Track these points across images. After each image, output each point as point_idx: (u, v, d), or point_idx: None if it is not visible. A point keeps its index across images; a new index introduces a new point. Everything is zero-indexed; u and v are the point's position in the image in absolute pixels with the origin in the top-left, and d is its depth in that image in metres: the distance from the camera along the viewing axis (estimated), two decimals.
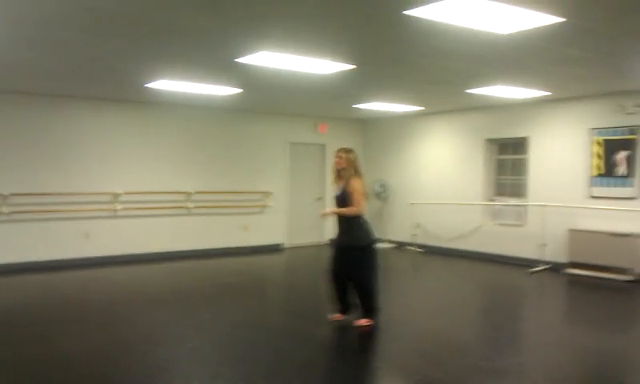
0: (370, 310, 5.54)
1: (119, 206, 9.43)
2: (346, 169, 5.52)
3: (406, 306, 6.58)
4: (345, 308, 5.68)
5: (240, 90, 8.17)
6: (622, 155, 8.21)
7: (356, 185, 5.44)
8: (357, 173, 5.55)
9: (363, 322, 5.52)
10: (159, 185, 9.86)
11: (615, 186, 8.29)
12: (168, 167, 9.99)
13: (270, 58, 5.87)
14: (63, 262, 8.89)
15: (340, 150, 5.62)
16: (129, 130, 9.60)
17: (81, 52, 5.79)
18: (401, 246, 11.42)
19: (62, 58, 6.08)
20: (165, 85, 7.66)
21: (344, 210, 5.47)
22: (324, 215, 5.60)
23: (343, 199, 5.51)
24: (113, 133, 9.44)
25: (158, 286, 7.67)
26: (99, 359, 4.62)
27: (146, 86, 7.79)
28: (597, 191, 8.50)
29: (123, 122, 9.55)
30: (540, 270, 8.74)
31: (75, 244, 9.10)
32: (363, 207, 5.45)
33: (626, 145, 8.17)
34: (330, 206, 12.06)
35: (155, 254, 9.78)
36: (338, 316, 5.69)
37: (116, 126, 9.48)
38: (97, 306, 6.51)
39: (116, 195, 9.42)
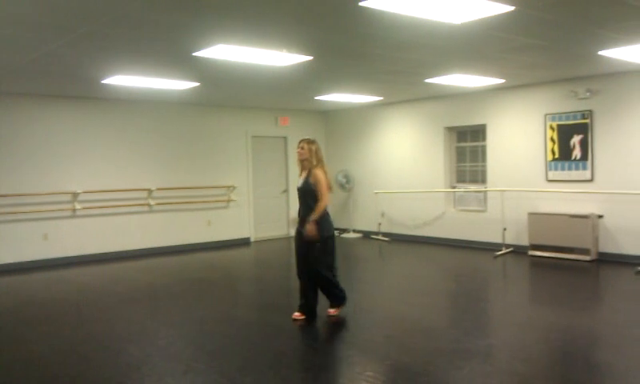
0: (337, 298, 5.60)
1: (78, 206, 9.21)
2: (309, 159, 5.48)
3: (374, 294, 6.65)
4: (309, 309, 5.57)
5: (197, 84, 8.07)
6: (575, 139, 8.48)
7: (319, 176, 5.41)
8: (319, 163, 5.50)
9: (332, 311, 5.59)
10: (119, 182, 9.67)
11: (570, 170, 8.56)
12: (128, 164, 9.80)
13: (228, 51, 5.82)
14: (22, 265, 8.65)
15: (302, 141, 5.56)
16: (86, 128, 9.37)
17: (32, 47, 5.61)
18: (367, 235, 11.52)
19: (12, 54, 5.87)
20: (122, 80, 7.51)
21: (316, 215, 5.33)
22: (311, 233, 5.31)
23: (306, 191, 5.48)
24: (70, 131, 9.20)
25: (125, 284, 7.54)
26: (72, 359, 4.56)
27: (102, 82, 7.62)
28: (553, 175, 8.77)
29: (80, 120, 9.31)
30: (503, 254, 8.96)
31: (34, 246, 8.85)
32: (327, 198, 5.42)
33: (580, 129, 8.43)
34: (295, 199, 12.12)
35: (118, 252, 9.61)
36: (298, 315, 5.56)
37: (73, 124, 9.24)
38: (64, 307, 6.38)
39: (75, 194, 9.19)
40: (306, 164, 5.53)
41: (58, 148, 9.08)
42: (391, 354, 4.54)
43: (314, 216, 5.33)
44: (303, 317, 5.52)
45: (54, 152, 9.04)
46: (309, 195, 5.44)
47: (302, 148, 5.52)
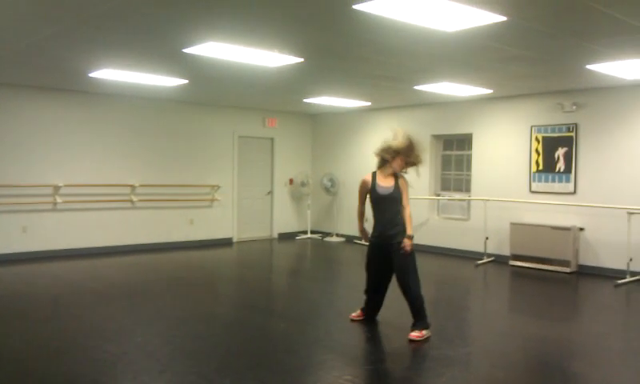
0: (424, 320, 5.05)
1: (59, 199, 9.08)
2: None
3: (354, 298, 6.62)
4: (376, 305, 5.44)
5: (186, 82, 8.00)
6: (560, 152, 8.55)
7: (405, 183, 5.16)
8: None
9: (416, 335, 4.93)
10: (102, 177, 9.56)
11: (554, 182, 8.63)
12: (112, 159, 9.69)
13: (217, 49, 5.77)
14: (0, 256, 8.49)
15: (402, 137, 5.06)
16: (71, 121, 9.25)
17: (18, 38, 5.51)
18: (350, 240, 11.51)
19: None
20: (109, 74, 7.42)
21: (409, 226, 5.08)
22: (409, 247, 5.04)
23: (394, 198, 5.11)
24: (54, 123, 9.07)
25: (104, 280, 7.44)
26: (45, 355, 4.47)
27: (89, 75, 7.52)
28: (537, 186, 8.83)
29: (65, 112, 9.19)
30: (485, 263, 9.00)
31: (12, 238, 8.70)
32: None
33: (564, 142, 8.51)
34: (280, 201, 12.07)
35: (99, 248, 9.49)
36: (358, 314, 5.47)
37: (58, 116, 9.11)
38: (40, 302, 6.27)
39: (56, 188, 9.06)
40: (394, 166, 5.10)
41: (42, 140, 8.94)
42: (371, 359, 4.52)
43: (409, 228, 5.05)
44: (362, 316, 5.45)
45: (36, 144, 8.90)
46: (396, 202, 5.09)
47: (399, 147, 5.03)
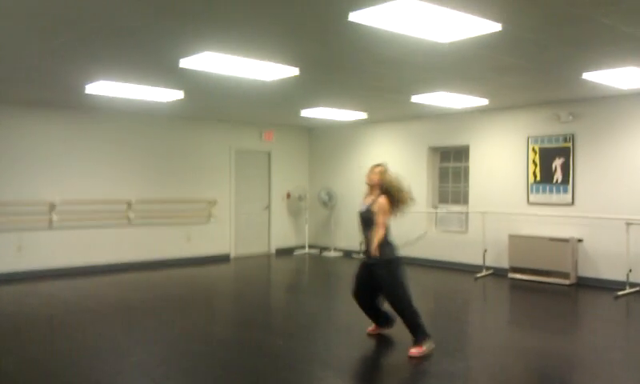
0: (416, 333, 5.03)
1: (55, 217, 9.02)
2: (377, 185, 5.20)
3: (352, 313, 6.56)
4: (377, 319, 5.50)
5: (182, 96, 7.98)
6: (557, 162, 8.53)
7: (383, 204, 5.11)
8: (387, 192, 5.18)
9: (414, 351, 4.88)
10: (99, 194, 9.51)
11: (551, 193, 8.60)
12: (108, 176, 9.65)
13: (214, 61, 5.75)
14: None
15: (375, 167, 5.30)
16: (67, 137, 9.22)
17: (13, 53, 5.49)
18: (348, 254, 11.45)
19: None
20: (104, 89, 7.38)
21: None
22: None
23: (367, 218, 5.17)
24: (49, 139, 9.04)
25: (100, 298, 7.37)
26: (39, 374, 4.41)
27: (85, 91, 7.49)
28: (534, 197, 8.80)
29: (61, 129, 9.16)
30: (484, 276, 8.94)
31: (6, 257, 8.62)
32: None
33: (561, 152, 8.49)
34: (277, 215, 12.03)
35: (95, 266, 9.41)
36: (372, 328, 5.52)
37: (53, 133, 9.08)
38: (35, 321, 6.20)
39: (52, 205, 9.01)
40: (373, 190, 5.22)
41: (36, 157, 8.91)
42: (370, 375, 4.46)
43: (373, 246, 5.07)
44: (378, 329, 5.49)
45: (31, 161, 8.86)
46: (371, 222, 5.12)
47: (374, 173, 5.24)
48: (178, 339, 5.41)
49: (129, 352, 4.98)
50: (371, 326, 5.54)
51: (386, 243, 5.06)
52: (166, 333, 5.67)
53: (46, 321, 6.25)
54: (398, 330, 5.72)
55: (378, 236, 5.02)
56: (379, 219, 5.04)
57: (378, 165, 5.30)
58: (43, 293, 7.73)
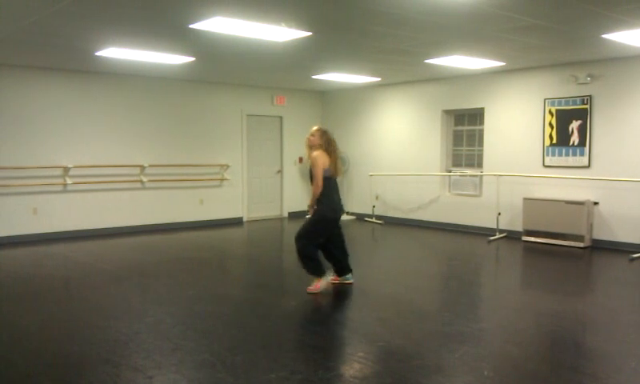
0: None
1: (69, 180, 9.08)
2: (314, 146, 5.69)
3: (367, 276, 6.59)
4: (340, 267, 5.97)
5: (193, 59, 7.91)
6: (574, 125, 8.40)
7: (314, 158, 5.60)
8: (320, 148, 5.64)
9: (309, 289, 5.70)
10: (111, 158, 9.54)
11: (567, 156, 8.49)
12: (120, 140, 9.67)
13: (224, 24, 5.67)
14: (10, 239, 8.55)
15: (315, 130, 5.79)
16: (79, 102, 9.21)
17: (22, 15, 5.44)
18: (360, 218, 11.45)
19: None
20: (115, 53, 7.34)
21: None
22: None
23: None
24: (62, 104, 9.04)
25: (114, 261, 7.45)
26: (57, 335, 4.48)
27: (95, 54, 7.45)
28: (550, 160, 8.69)
29: (73, 93, 9.15)
30: (497, 239, 8.91)
31: (23, 220, 8.73)
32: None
33: (579, 114, 8.35)
34: (289, 179, 12.02)
35: (109, 229, 9.51)
36: (333, 278, 5.96)
37: (65, 97, 9.07)
38: (51, 282, 6.28)
39: (66, 169, 9.06)
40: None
41: (50, 121, 8.93)
42: (384, 335, 4.48)
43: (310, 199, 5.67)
44: (337, 279, 5.96)
45: (45, 125, 8.88)
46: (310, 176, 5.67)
47: (313, 135, 5.70)
48: (193, 300, 5.46)
49: (145, 313, 5.04)
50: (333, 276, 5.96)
51: (319, 201, 5.53)
52: (181, 294, 5.73)
53: (62, 282, 6.34)
54: (409, 295, 5.75)
55: (313, 192, 5.52)
56: (315, 173, 5.48)
57: (317, 128, 5.78)
58: (58, 255, 7.83)
